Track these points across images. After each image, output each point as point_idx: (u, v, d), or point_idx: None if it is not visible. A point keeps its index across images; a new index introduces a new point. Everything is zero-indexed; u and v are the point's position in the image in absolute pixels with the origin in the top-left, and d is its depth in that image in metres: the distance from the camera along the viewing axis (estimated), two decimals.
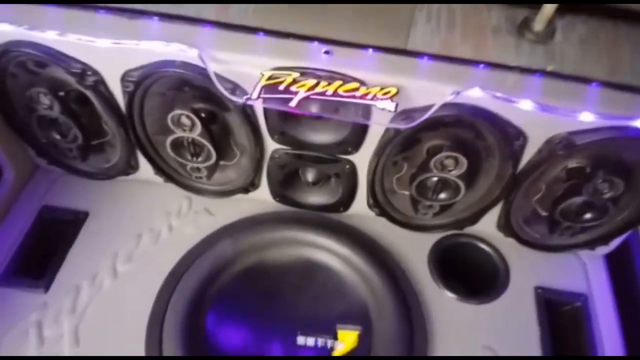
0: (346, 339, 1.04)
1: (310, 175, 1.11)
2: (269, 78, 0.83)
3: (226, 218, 1.17)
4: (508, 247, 1.15)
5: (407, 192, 1.06)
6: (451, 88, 0.84)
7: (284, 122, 0.97)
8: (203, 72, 0.88)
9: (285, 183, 1.12)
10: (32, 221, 1.15)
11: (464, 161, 0.93)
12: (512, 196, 1.01)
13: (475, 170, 0.99)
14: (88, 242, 1.13)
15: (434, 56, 0.87)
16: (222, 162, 1.09)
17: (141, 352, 0.97)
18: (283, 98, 0.83)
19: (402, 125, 0.86)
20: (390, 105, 0.82)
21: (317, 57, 0.85)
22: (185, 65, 0.88)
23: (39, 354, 0.97)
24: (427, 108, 0.85)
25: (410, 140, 0.97)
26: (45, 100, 0.99)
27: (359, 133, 0.96)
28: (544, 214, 1.05)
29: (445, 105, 0.84)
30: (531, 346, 1.05)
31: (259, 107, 0.94)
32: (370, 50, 0.86)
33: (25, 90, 0.99)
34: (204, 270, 1.06)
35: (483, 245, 1.15)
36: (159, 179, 1.19)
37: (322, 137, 0.99)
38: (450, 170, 0.96)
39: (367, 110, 0.86)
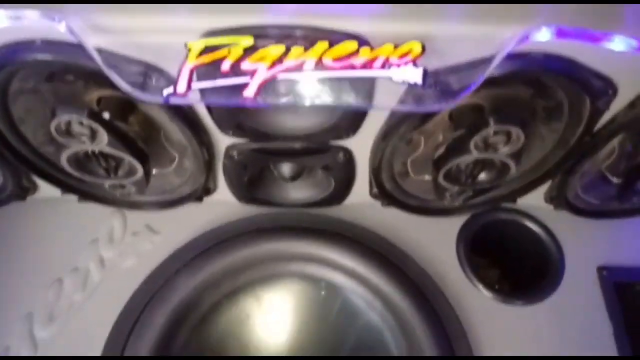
0: None
1: (286, 170, 0.77)
2: (202, 52, 0.47)
3: (177, 236, 0.84)
4: (558, 221, 0.87)
5: (428, 177, 0.74)
6: (514, 30, 0.50)
7: (239, 111, 0.62)
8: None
9: (252, 183, 0.79)
10: None
11: (519, 135, 0.61)
12: (577, 165, 0.71)
13: (527, 139, 0.67)
14: None
15: None
16: (155, 171, 0.74)
17: None
18: (231, 86, 0.48)
19: (438, 105, 0.52)
20: (414, 74, 0.48)
21: (279, 9, 0.49)
22: (52, 45, 0.51)
23: None
24: (472, 65, 0.52)
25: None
26: None
27: (358, 115, 0.62)
28: (615, 180, 0.76)
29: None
30: (603, 346, 0.80)
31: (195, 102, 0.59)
32: None
33: None
34: (155, 328, 0.74)
35: (528, 223, 0.87)
36: (69, 199, 0.83)
37: (301, 122, 0.65)
38: (497, 149, 0.64)
39: (373, 86, 0.52)
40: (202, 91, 0.49)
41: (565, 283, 0.84)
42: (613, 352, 0.80)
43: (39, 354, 0.76)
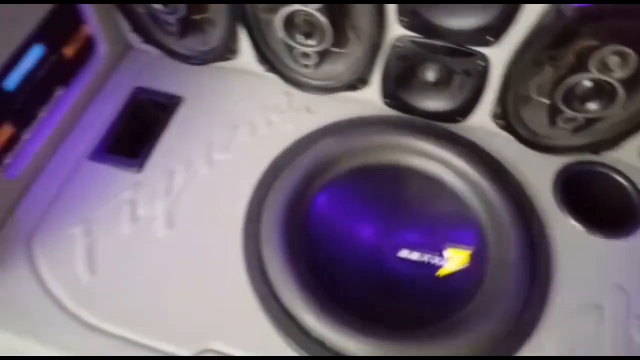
0: (455, 258, 0.94)
1: (432, 74, 0.98)
2: None
3: (328, 118, 1.07)
4: None
5: (546, 101, 0.92)
6: None
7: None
8: None
9: (400, 81, 1.00)
10: (125, 101, 1.09)
11: (634, 58, 0.78)
12: None
13: None
14: (182, 128, 1.06)
15: None
16: (334, 49, 0.97)
17: (238, 243, 0.90)
18: None
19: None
20: None
21: None
22: None
23: (133, 231, 0.92)
24: None
25: (565, 35, 0.82)
26: None
27: (507, 17, 0.82)
28: None
29: None
30: None
31: None
32: None
33: None
34: (306, 167, 0.97)
35: (619, 178, 1.01)
36: (258, 69, 1.09)
37: (460, 21, 0.86)
38: (611, 72, 0.81)
39: None
40: None
41: None
42: None
43: (212, 172, 1.00)
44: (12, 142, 0.93)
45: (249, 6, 0.93)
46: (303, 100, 1.10)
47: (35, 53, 0.93)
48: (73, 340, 0.81)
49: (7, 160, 0.92)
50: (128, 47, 1.16)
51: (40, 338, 0.82)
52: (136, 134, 1.05)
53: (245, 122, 1.07)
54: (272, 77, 1.10)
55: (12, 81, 0.89)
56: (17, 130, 0.93)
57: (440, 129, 1.05)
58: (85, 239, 0.91)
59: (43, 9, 0.91)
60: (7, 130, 0.91)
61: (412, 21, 0.87)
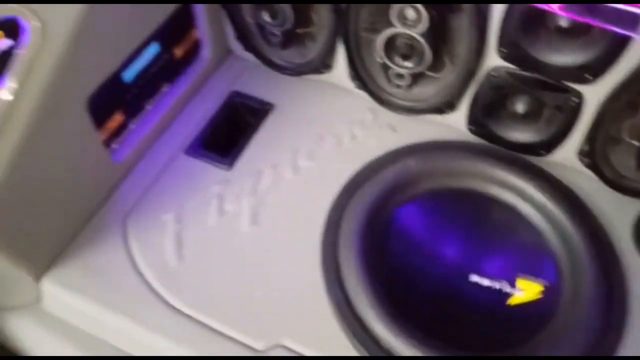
0: (527, 289, 0.94)
1: (521, 105, 1.00)
2: None
3: (411, 137, 1.10)
4: None
5: (636, 143, 0.92)
6: None
7: (523, 33, 0.86)
8: None
9: (488, 109, 1.03)
10: (221, 102, 1.16)
11: None
12: None
13: None
14: (272, 132, 1.12)
15: None
16: (428, 73, 1.01)
17: (316, 247, 0.94)
18: None
19: None
20: None
21: None
22: None
23: (219, 224, 0.98)
24: None
25: None
26: None
27: (610, 58, 0.83)
28: None
29: None
30: None
31: (498, 10, 0.85)
32: None
33: None
34: (386, 182, 1.00)
35: None
36: (348, 85, 1.14)
37: (561, 57, 0.88)
38: None
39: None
40: None
41: None
42: None
43: (296, 177, 1.05)
44: (121, 129, 1.02)
45: (352, 24, 0.98)
46: (387, 118, 1.14)
47: (152, 50, 1.01)
48: (154, 319, 0.87)
49: (114, 145, 1.01)
50: (228, 52, 1.24)
51: (123, 311, 0.88)
52: (228, 134, 1.12)
53: (331, 134, 1.12)
54: (360, 93, 1.14)
55: (130, 73, 0.98)
56: (126, 119, 1.02)
57: (523, 160, 1.06)
58: (175, 226, 0.97)
59: (167, 10, 0.99)
60: (118, 118, 1.00)
61: (511, 52, 0.90)
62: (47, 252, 0.91)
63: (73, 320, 0.92)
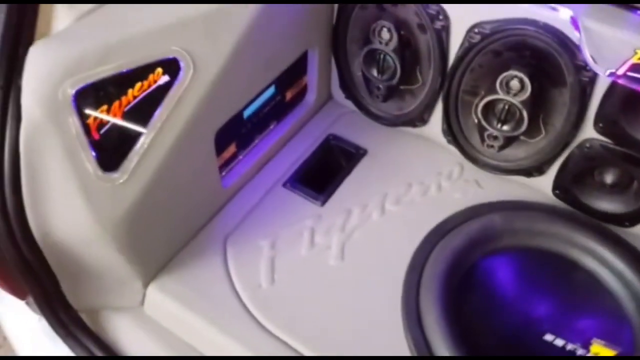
0: (601, 354, 0.96)
1: (610, 177, 1.04)
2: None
3: (496, 195, 1.16)
4: None
5: None
6: None
7: (621, 111, 0.91)
8: (560, 37, 0.87)
9: (577, 177, 1.07)
10: (319, 143, 1.27)
11: None
12: None
13: None
14: (363, 176, 1.20)
15: None
16: (522, 137, 1.07)
17: (398, 287, 1.00)
18: None
19: None
20: None
21: None
22: (546, 27, 0.88)
23: (309, 255, 1.06)
24: None
25: None
26: (385, 34, 1.07)
27: None
28: None
29: None
30: None
31: (600, 88, 0.91)
32: None
33: (372, 22, 1.08)
34: (471, 234, 1.06)
35: None
36: (440, 139, 1.22)
37: None
38: None
39: None
40: (629, 78, 0.80)
41: None
42: None
43: (383, 219, 1.12)
44: (232, 158, 1.14)
45: (454, 86, 1.07)
46: (473, 174, 1.20)
47: (269, 92, 1.14)
48: (242, 332, 0.95)
49: (224, 173, 1.13)
50: (330, 98, 1.35)
51: (215, 322, 0.96)
52: (323, 173, 1.22)
53: (418, 182, 1.19)
54: (450, 148, 1.21)
55: (249, 111, 1.10)
56: (237, 150, 1.14)
57: (605, 228, 1.09)
58: (270, 252, 1.07)
59: (292, 57, 1.12)
60: (232, 149, 1.12)
61: (608, 128, 0.95)
62: (157, 261, 1.03)
63: (170, 326, 1.02)
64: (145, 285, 1.01)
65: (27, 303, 1.00)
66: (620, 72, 0.81)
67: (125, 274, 0.97)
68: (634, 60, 0.79)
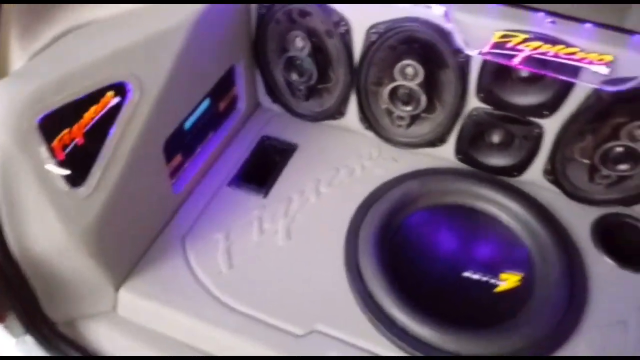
0: (509, 279, 1.18)
1: (496, 137, 1.27)
2: (501, 37, 1.01)
3: (410, 166, 1.37)
4: None
5: (586, 161, 1.18)
6: None
7: (494, 82, 1.14)
8: (438, 29, 1.08)
9: (471, 141, 1.30)
10: (255, 145, 1.43)
11: None
12: None
13: None
14: (297, 167, 1.38)
15: None
16: (423, 114, 1.28)
17: (340, 252, 1.18)
18: (508, 54, 1.01)
19: (611, 87, 1.00)
20: (604, 70, 0.97)
21: (542, 24, 1.03)
22: (427, 22, 1.10)
23: (260, 240, 1.21)
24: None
25: (602, 112, 1.10)
26: (299, 43, 1.25)
27: (560, 98, 1.11)
28: None
29: None
30: None
31: (475, 66, 1.13)
32: (589, 24, 1.01)
33: (286, 33, 1.26)
34: (394, 200, 1.25)
35: None
36: (358, 127, 1.41)
37: (524, 99, 1.15)
38: (637, 141, 1.07)
39: (579, 72, 1.02)
40: (493, 54, 1.03)
41: None
42: None
43: (319, 200, 1.29)
44: (179, 167, 1.27)
45: (362, 80, 1.26)
46: (390, 152, 1.41)
47: (205, 104, 1.29)
48: (212, 314, 1.08)
49: (173, 180, 1.26)
50: (258, 104, 1.52)
51: (186, 310, 1.09)
52: (262, 169, 1.37)
53: (344, 166, 1.38)
54: (367, 133, 1.41)
55: (189, 123, 1.25)
56: (183, 159, 1.28)
57: (500, 180, 1.32)
58: (225, 242, 1.21)
59: (222, 70, 1.27)
60: (179, 158, 1.26)
61: (487, 96, 1.18)
62: (125, 265, 1.14)
63: (145, 322, 1.12)
64: (117, 289, 1.12)
65: (6, 327, 1.07)
66: (485, 50, 1.03)
67: (97, 280, 1.08)
68: (494, 39, 1.02)
